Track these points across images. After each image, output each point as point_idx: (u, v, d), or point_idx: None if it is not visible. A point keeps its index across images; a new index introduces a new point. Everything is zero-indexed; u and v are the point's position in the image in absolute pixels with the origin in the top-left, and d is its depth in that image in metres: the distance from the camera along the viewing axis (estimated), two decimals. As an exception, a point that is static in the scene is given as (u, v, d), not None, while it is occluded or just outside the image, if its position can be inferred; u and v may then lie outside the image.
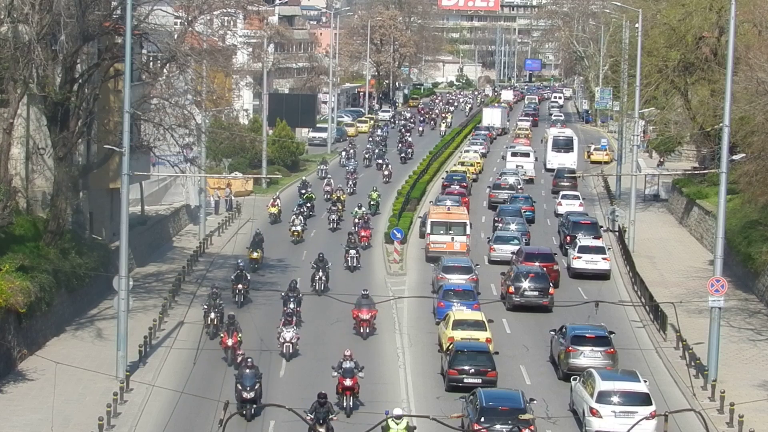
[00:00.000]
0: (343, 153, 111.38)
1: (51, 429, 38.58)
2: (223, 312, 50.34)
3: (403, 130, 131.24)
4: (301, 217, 74.49)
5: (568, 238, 69.94)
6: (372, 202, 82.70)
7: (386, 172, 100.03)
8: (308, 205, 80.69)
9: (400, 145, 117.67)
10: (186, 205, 79.26)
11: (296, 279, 55.56)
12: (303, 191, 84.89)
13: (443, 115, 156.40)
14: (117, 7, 55.42)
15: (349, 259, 65.21)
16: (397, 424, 35.55)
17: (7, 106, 53.08)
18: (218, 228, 75.92)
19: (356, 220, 73.65)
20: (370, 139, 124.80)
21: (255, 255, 64.54)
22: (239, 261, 58.71)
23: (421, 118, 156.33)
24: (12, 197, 52.29)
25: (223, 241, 73.62)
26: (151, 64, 61.54)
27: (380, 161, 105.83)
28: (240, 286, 56.35)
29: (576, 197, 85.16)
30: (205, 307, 51.23)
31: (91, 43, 56.15)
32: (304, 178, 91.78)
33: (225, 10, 70.59)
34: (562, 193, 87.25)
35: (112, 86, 59.80)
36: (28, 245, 50.92)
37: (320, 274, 58.75)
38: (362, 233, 71.06)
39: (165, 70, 59.18)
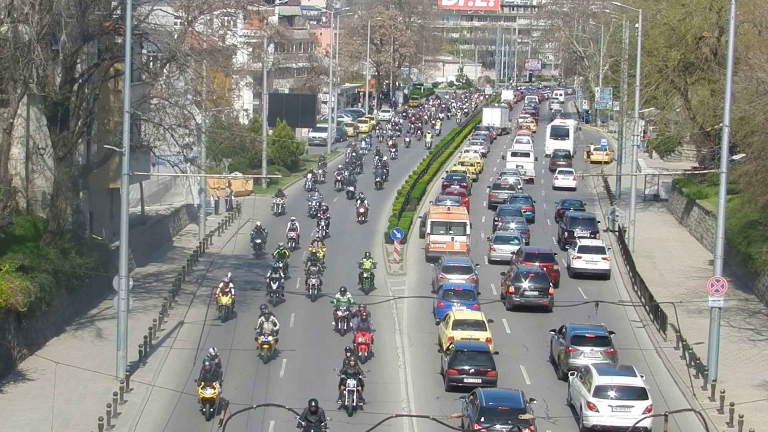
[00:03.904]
0: (309, 175, 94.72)
1: (51, 429, 38.55)
2: None
3: (389, 143, 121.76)
4: (273, 317, 47.79)
5: (567, 234, 70.32)
6: (366, 275, 59.42)
7: (362, 210, 79.43)
8: (281, 264, 58.25)
9: (375, 162, 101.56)
10: (186, 205, 79.27)
11: None
12: (258, 240, 67.64)
13: (432, 121, 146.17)
14: (117, 7, 55.45)
15: (346, 393, 41.05)
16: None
17: (7, 106, 53.08)
18: (218, 228, 75.94)
19: (339, 313, 51.46)
20: (353, 154, 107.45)
21: (209, 393, 40.02)
22: None
23: (410, 125, 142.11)
24: (12, 197, 52.32)
25: (223, 241, 73.65)
26: (151, 64, 61.55)
27: (351, 188, 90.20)
28: None
29: (570, 172, 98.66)
30: None
31: (91, 43, 56.16)
32: (258, 222, 70.20)
33: (225, 10, 70.67)
34: (558, 169, 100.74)
35: (112, 86, 59.83)
36: (28, 245, 50.91)
37: None
38: (359, 338, 47.77)
39: (165, 70, 59.20)
